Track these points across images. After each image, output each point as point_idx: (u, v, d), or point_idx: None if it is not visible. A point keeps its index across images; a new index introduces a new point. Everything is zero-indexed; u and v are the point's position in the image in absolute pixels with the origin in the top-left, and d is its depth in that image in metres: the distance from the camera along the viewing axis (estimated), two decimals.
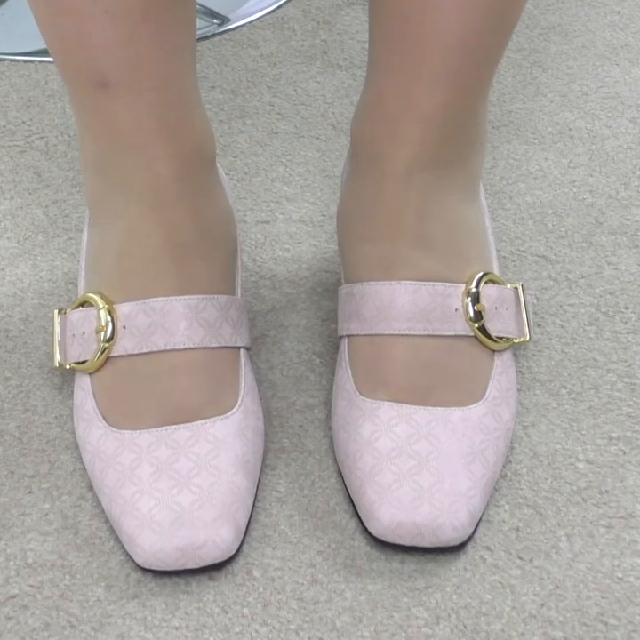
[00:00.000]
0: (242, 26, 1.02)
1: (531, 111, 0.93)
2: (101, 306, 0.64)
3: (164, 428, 0.62)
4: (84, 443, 0.64)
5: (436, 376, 0.64)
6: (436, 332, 0.64)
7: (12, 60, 0.97)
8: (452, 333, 0.64)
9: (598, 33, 1.01)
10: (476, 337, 0.65)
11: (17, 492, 0.65)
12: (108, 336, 0.64)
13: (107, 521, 0.63)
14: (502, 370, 0.66)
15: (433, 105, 0.62)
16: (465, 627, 0.58)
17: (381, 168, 0.65)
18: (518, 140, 0.89)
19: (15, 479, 0.65)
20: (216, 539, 0.58)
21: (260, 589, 0.60)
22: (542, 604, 0.59)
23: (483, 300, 0.65)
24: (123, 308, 0.64)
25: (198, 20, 1.02)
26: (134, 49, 0.59)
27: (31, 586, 0.60)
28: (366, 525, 0.60)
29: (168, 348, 0.63)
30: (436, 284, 0.65)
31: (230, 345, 0.65)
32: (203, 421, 0.62)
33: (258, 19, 1.02)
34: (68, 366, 0.66)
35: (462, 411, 0.63)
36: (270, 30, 1.01)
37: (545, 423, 0.68)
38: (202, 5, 1.02)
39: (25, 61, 0.97)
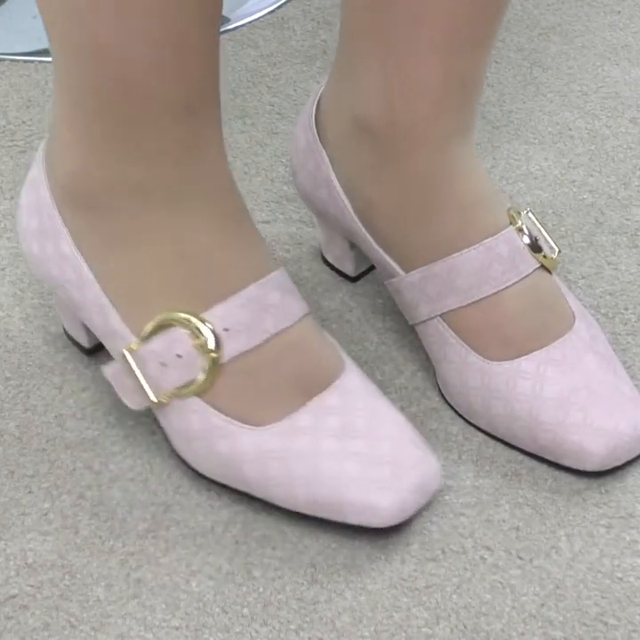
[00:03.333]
0: (242, 26, 1.01)
1: (531, 111, 0.93)
2: (193, 320, 0.61)
3: (314, 401, 0.61)
4: (236, 458, 0.61)
5: (544, 313, 0.66)
6: (522, 275, 0.66)
7: (11, 60, 0.97)
8: (531, 270, 0.67)
9: (598, 33, 1.01)
10: (541, 265, 0.67)
11: (17, 492, 0.65)
12: (213, 346, 0.61)
13: (107, 520, 0.63)
14: (563, 288, 0.69)
15: (468, 67, 0.63)
16: (465, 627, 0.58)
17: (426, 146, 0.65)
18: (518, 140, 0.89)
19: (15, 479, 0.65)
20: (435, 469, 0.61)
21: (260, 589, 0.60)
22: (542, 604, 0.59)
23: (526, 231, 0.68)
24: (216, 312, 0.61)
25: None
26: (211, 68, 0.59)
27: (31, 586, 0.60)
28: (582, 467, 0.63)
29: (278, 329, 0.62)
30: (503, 232, 0.66)
31: (308, 310, 0.65)
32: (338, 381, 0.62)
33: (258, 19, 1.02)
34: (167, 397, 0.62)
35: (574, 333, 0.66)
36: (270, 30, 1.01)
37: None
38: None
39: (25, 61, 0.97)
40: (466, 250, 0.66)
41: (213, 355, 0.61)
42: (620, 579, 0.60)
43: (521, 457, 0.66)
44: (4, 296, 0.76)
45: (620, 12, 1.04)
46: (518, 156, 0.88)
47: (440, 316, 0.67)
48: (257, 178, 0.86)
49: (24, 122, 0.91)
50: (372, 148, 0.67)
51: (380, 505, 0.59)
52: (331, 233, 0.75)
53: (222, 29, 1.01)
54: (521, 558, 0.61)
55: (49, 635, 0.58)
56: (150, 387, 0.62)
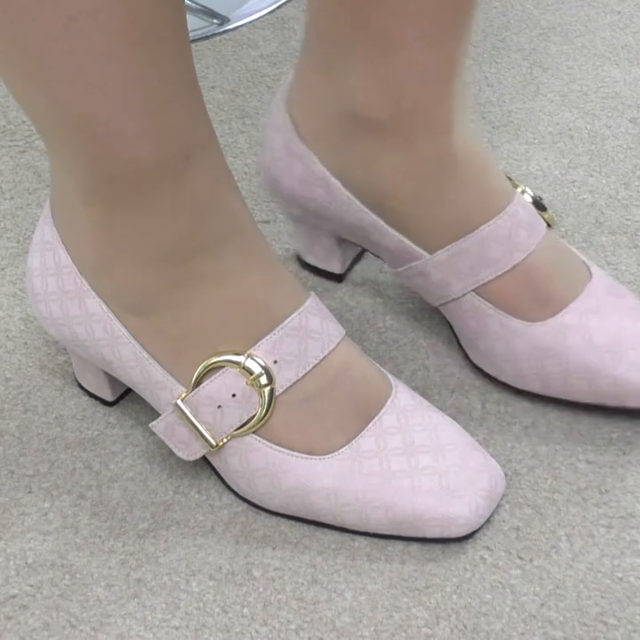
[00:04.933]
0: (242, 26, 1.02)
1: (531, 111, 0.93)
2: (242, 360, 0.60)
3: (374, 423, 0.62)
4: (304, 490, 0.61)
5: (567, 265, 0.69)
6: (541, 235, 0.68)
7: None
8: (544, 229, 0.68)
9: (598, 33, 1.01)
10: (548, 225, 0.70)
11: (17, 492, 0.65)
12: (266, 381, 0.60)
13: (106, 520, 0.63)
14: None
15: (458, 46, 0.64)
16: (465, 627, 0.58)
17: (433, 131, 0.66)
18: (518, 140, 0.89)
19: (15, 479, 0.65)
20: (499, 471, 0.62)
21: (260, 589, 0.60)
22: (542, 604, 0.59)
23: (528, 191, 0.70)
24: (264, 347, 0.60)
25: (198, 20, 1.02)
26: (198, 113, 0.58)
27: (31, 586, 0.60)
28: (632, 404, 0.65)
29: (325, 354, 0.62)
30: (516, 197, 0.68)
31: (344, 331, 0.65)
32: (390, 400, 0.63)
33: (258, 19, 1.02)
34: (225, 440, 0.61)
35: (596, 279, 0.69)
36: (270, 30, 1.01)
37: (545, 423, 0.68)
38: (202, 5, 1.02)
39: None
40: (493, 220, 0.67)
41: (268, 388, 0.60)
42: (620, 579, 0.60)
43: (521, 456, 0.66)
44: (3, 296, 0.76)
45: (619, 12, 1.04)
46: (518, 156, 0.88)
47: (473, 290, 0.68)
48: (257, 178, 0.86)
49: (24, 122, 0.91)
50: (377, 140, 0.66)
51: (461, 514, 0.60)
52: (315, 233, 0.75)
53: (222, 29, 1.01)
54: (521, 558, 0.61)
55: (49, 635, 0.58)
56: (208, 432, 0.61)
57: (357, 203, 0.70)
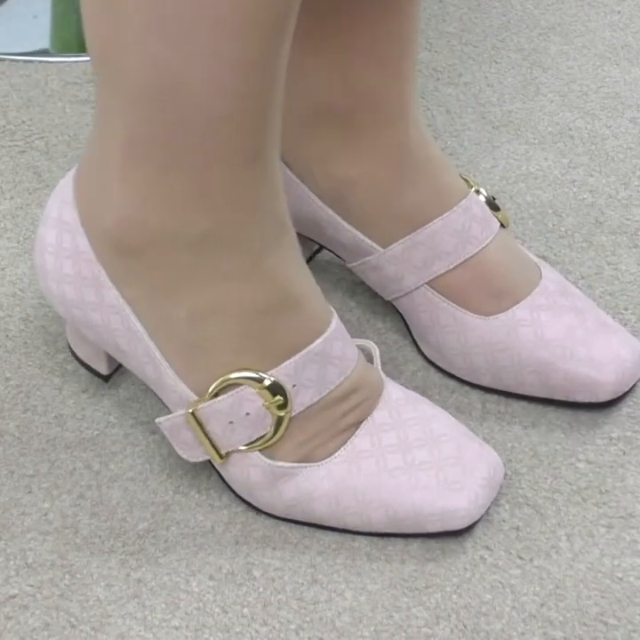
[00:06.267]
0: None
1: (531, 111, 0.93)
2: (263, 380, 0.59)
3: (367, 422, 0.62)
4: (305, 498, 0.61)
5: (519, 263, 0.69)
6: (494, 231, 0.69)
7: (11, 60, 0.97)
8: (497, 227, 0.69)
9: (598, 33, 1.01)
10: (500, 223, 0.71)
11: (17, 492, 0.65)
12: (282, 405, 0.60)
13: (106, 520, 0.63)
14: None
15: (409, 30, 0.65)
16: (465, 627, 0.58)
17: (391, 116, 0.66)
18: (518, 140, 0.89)
19: (15, 479, 0.65)
20: (496, 458, 0.62)
21: (260, 589, 0.60)
22: (542, 604, 0.59)
23: (482, 192, 0.71)
24: (286, 370, 0.59)
25: None
26: (279, 113, 0.58)
27: (31, 586, 0.60)
28: (595, 399, 0.66)
29: (341, 379, 0.61)
30: (471, 194, 0.69)
31: (358, 352, 0.64)
32: (381, 397, 0.62)
33: None
34: (229, 451, 0.61)
35: (546, 279, 0.69)
36: None
37: (545, 423, 0.68)
38: None
39: (25, 61, 0.97)
40: (446, 214, 0.67)
41: (284, 411, 0.60)
42: (620, 579, 0.60)
43: (521, 456, 0.66)
44: (3, 296, 0.76)
45: (619, 12, 1.04)
46: (518, 156, 0.88)
47: (427, 283, 0.68)
48: None
49: (24, 122, 0.91)
50: (338, 129, 0.67)
51: (460, 506, 0.60)
52: None
53: None
54: (521, 558, 0.61)
55: (49, 635, 0.58)
56: (214, 443, 0.61)
57: (313, 197, 0.70)
